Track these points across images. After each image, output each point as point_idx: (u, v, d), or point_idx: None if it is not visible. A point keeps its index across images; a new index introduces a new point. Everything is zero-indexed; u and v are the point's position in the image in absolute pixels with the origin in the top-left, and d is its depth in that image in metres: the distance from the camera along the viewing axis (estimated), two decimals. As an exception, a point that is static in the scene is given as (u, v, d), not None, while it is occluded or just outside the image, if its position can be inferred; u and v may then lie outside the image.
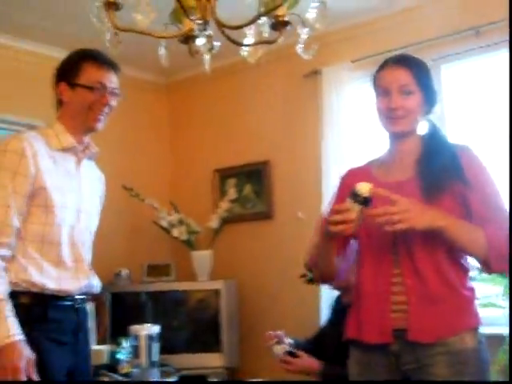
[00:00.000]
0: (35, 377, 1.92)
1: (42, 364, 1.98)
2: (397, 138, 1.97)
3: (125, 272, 4.03)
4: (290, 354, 2.63)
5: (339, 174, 2.16)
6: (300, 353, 2.64)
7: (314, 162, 3.86)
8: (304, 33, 1.86)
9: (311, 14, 1.75)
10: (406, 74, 1.92)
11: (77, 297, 2.16)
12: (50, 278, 2.05)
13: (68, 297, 2.12)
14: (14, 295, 1.99)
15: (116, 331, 3.73)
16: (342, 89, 3.75)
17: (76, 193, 2.17)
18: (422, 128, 2.01)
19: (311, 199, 3.86)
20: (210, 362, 3.81)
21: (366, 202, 1.72)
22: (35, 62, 3.85)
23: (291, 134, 4.09)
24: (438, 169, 1.86)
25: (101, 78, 2.13)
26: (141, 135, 4.55)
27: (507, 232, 1.78)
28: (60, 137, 2.14)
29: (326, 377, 2.57)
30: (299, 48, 1.89)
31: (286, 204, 4.11)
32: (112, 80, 2.17)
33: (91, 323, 2.98)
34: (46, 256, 2.06)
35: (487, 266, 1.82)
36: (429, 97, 1.96)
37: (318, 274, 2.15)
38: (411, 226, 1.74)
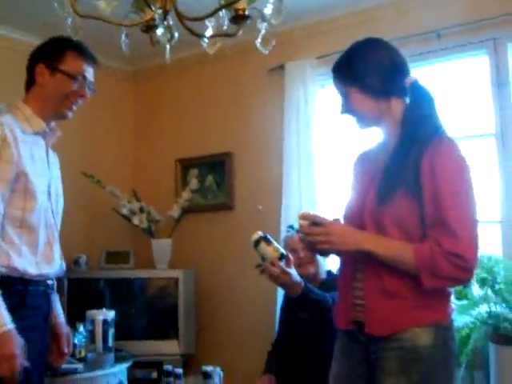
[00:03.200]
0: (26, 363, 1.91)
1: None
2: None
3: (83, 258, 4.04)
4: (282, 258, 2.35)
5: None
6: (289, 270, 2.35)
7: (276, 155, 3.91)
8: (263, 27, 1.90)
9: (268, 9, 1.80)
10: (337, 83, 1.93)
11: (48, 282, 2.16)
12: (29, 264, 2.05)
13: (42, 282, 2.12)
14: None
15: (73, 316, 3.72)
16: (305, 84, 3.80)
17: (47, 176, 2.17)
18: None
19: (272, 192, 3.92)
20: (167, 348, 3.85)
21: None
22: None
23: (255, 127, 4.13)
24: (396, 171, 1.80)
25: (83, 70, 2.18)
26: (105, 122, 4.54)
27: (450, 245, 1.69)
28: (31, 120, 2.13)
29: (305, 296, 2.42)
30: (257, 42, 1.93)
31: (246, 196, 4.16)
32: (92, 74, 2.22)
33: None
34: (25, 240, 2.05)
35: (421, 283, 1.74)
36: (372, 79, 1.86)
37: None
38: (335, 248, 1.85)
